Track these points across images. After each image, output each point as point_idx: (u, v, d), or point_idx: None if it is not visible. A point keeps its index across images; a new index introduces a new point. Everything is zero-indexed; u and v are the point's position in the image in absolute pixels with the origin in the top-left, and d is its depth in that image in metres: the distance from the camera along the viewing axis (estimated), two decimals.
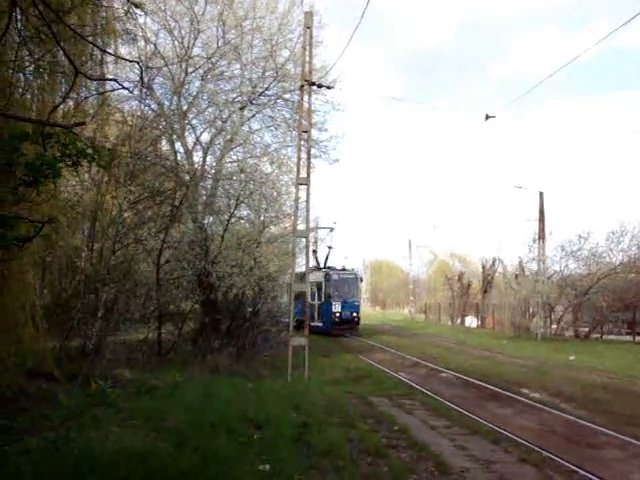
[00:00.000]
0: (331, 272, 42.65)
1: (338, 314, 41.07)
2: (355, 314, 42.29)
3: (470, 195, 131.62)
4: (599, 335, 38.17)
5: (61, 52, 8.04)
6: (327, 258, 45.72)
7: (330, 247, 45.98)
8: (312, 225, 31.25)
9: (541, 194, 39.71)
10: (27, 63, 9.79)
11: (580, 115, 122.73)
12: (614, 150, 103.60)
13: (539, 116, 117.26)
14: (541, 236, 39.65)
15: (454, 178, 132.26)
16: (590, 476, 8.83)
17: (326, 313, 41.29)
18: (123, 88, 12.61)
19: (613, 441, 11.42)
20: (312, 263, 44.12)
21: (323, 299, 41.88)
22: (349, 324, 41.59)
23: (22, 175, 5.08)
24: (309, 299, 39.54)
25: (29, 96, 11.14)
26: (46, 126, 5.28)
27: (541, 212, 39.60)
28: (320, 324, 41.20)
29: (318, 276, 42.30)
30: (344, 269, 44.74)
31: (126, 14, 9.14)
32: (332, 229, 45.86)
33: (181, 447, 8.41)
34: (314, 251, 45.05)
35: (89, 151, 5.27)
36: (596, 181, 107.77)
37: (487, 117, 21.21)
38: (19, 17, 6.24)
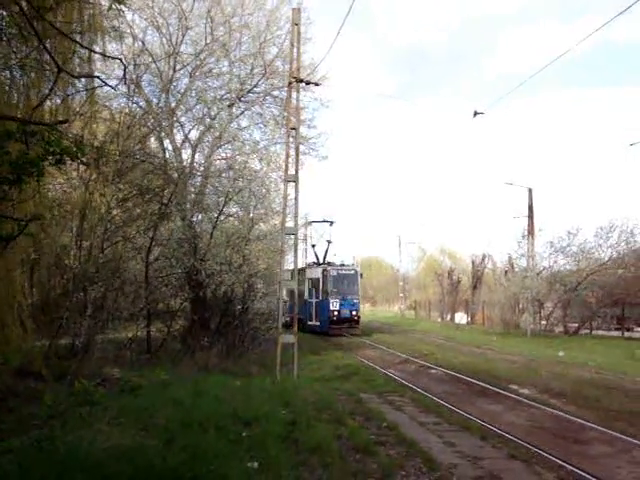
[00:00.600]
0: (329, 267, 40.55)
1: (336, 312, 38.94)
2: (355, 312, 39.92)
3: (459, 192, 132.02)
4: (588, 331, 38.35)
5: (44, 49, 8.00)
6: (326, 253, 43.85)
7: (329, 241, 44.12)
8: (301, 222, 31.15)
9: (530, 190, 39.90)
10: (12, 60, 9.75)
11: (569, 111, 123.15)
12: (603, 146, 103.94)
13: (529, 112, 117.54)
14: (530, 232, 39.83)
15: (443, 175, 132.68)
16: (578, 471, 8.86)
17: (323, 311, 39.43)
18: (106, 85, 12.56)
19: (602, 436, 11.48)
20: (311, 258, 43.86)
21: (321, 296, 39.90)
22: (348, 323, 39.39)
23: (6, 174, 5.05)
24: (306, 296, 39.55)
25: (15, 94, 11.10)
26: (30, 124, 5.25)
27: (530, 208, 39.76)
28: (317, 323, 39.89)
29: (315, 272, 40.89)
30: (343, 264, 42.29)
31: (109, 10, 9.07)
32: (332, 223, 43.92)
33: (170, 445, 8.40)
34: (313, 245, 44.25)
35: (73, 149, 5.23)
36: (585, 177, 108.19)
37: (475, 114, 21.23)
38: (2, 14, 6.20)
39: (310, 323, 39.76)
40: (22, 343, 11.71)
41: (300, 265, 44.77)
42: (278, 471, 7.79)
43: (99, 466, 6.87)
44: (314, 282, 40.49)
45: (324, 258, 43.42)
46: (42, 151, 5.13)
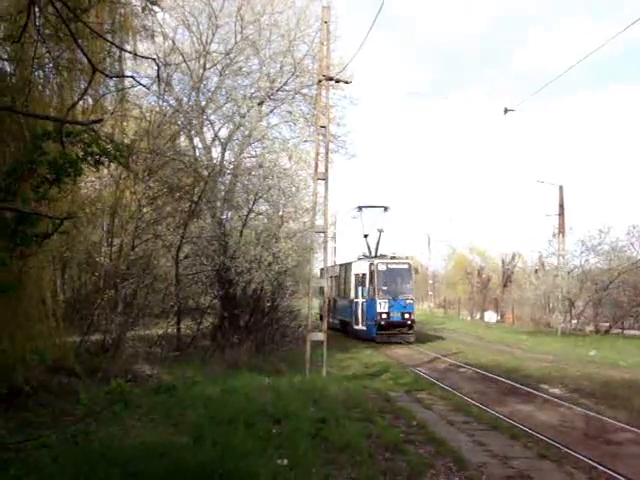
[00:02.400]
0: (376, 261, 33.34)
1: (385, 315, 31.92)
2: (407, 315, 32.39)
3: (489, 189, 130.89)
4: (620, 330, 37.91)
5: (79, 49, 8.10)
6: (378, 244, 36.49)
7: (381, 230, 36.44)
8: (331, 220, 30.82)
9: (561, 188, 39.55)
10: (46, 60, 9.87)
11: (600, 108, 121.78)
12: (635, 144, 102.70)
13: (560, 109, 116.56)
14: (561, 230, 39.46)
15: (474, 173, 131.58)
16: (610, 472, 8.76)
17: (370, 314, 32.50)
18: (140, 85, 12.63)
19: (634, 437, 11.34)
20: (362, 251, 37.81)
21: (367, 296, 33.16)
22: (399, 328, 32.26)
23: (45, 173, 5.12)
24: (352, 296, 35.22)
25: (48, 93, 11.22)
26: (65, 124, 5.31)
27: (561, 206, 39.40)
28: (363, 328, 33.40)
29: (362, 266, 34.46)
30: (394, 257, 35.06)
31: (143, 11, 9.17)
32: (386, 208, 36.44)
33: (200, 441, 8.48)
34: (365, 236, 36.93)
35: (111, 150, 5.30)
36: (617, 175, 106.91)
37: (506, 111, 21.13)
38: (37, 15, 6.29)
39: (356, 327, 34.30)
40: (54, 339, 11.83)
41: (341, 261, 42.57)
42: (307, 469, 7.82)
43: (131, 462, 6.95)
44: (360, 279, 34.29)
45: (376, 250, 36.39)
46: (81, 152, 5.20)
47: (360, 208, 36.85)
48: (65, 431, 5.76)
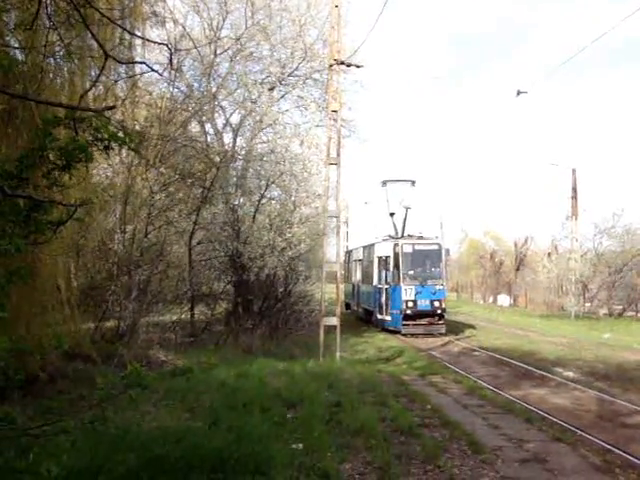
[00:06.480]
0: (401, 242, 29.16)
1: (411, 303, 27.79)
2: (437, 303, 28.10)
3: (503, 172, 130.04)
4: (634, 313, 37.83)
5: (90, 36, 8.10)
6: (405, 223, 31.86)
7: (407, 207, 31.93)
8: (343, 205, 30.38)
9: (574, 171, 39.35)
10: (57, 48, 9.87)
11: (614, 89, 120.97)
12: None
13: (572, 91, 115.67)
14: (574, 213, 39.30)
15: (486, 156, 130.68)
16: (625, 455, 8.74)
17: (395, 302, 28.47)
18: (153, 71, 12.63)
19: None
20: (388, 231, 33.52)
21: (391, 281, 29.06)
22: (428, 318, 28.05)
23: (56, 159, 5.13)
24: (375, 281, 31.42)
25: (59, 80, 11.23)
26: (77, 110, 5.31)
27: (574, 189, 39.22)
28: (388, 317, 29.30)
29: (385, 248, 30.32)
30: (421, 237, 30.66)
31: None
32: (413, 182, 32.18)
33: (215, 426, 8.52)
34: (391, 214, 32.66)
35: (120, 135, 5.30)
36: (631, 157, 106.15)
37: (518, 93, 21.02)
38: (49, 2, 6.29)
39: (380, 317, 30.51)
40: (70, 325, 11.90)
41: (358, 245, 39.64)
42: (323, 453, 7.85)
43: (147, 446, 6.99)
44: (384, 262, 30.27)
45: (402, 230, 31.87)
46: (91, 137, 5.21)
47: (385, 183, 32.69)
48: (83, 416, 5.80)
